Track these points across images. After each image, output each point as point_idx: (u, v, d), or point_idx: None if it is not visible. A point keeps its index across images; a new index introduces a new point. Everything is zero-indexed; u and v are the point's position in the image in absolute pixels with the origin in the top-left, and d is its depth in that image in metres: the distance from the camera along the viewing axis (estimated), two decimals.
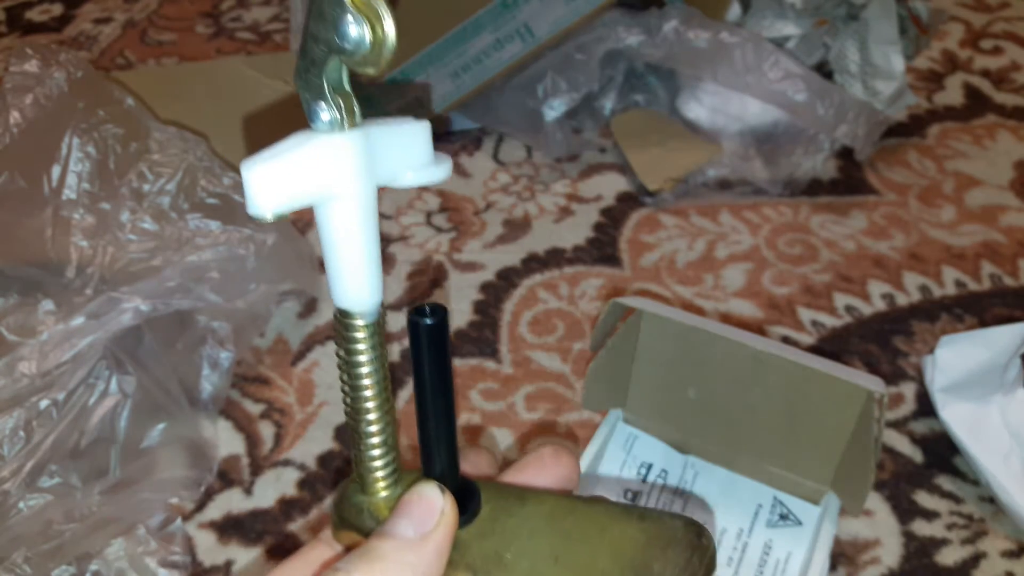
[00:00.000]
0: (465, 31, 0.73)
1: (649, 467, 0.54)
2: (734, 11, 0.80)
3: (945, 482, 0.55)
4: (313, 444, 0.58)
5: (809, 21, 0.78)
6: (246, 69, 0.75)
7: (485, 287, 0.69)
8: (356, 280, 0.24)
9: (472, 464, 0.29)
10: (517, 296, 0.68)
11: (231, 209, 0.59)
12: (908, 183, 0.77)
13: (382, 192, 0.25)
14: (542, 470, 0.29)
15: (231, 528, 0.54)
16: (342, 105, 0.23)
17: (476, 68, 0.75)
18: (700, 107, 0.78)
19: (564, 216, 0.75)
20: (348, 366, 0.25)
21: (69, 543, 0.48)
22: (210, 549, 0.53)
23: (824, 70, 0.79)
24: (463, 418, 0.59)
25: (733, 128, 0.77)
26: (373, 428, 0.26)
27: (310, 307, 0.67)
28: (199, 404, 0.58)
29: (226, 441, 0.58)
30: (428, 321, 0.24)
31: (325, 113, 0.23)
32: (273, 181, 0.22)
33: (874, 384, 0.46)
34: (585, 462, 0.51)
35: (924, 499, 0.54)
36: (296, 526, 0.54)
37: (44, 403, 0.49)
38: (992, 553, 0.51)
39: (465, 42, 0.74)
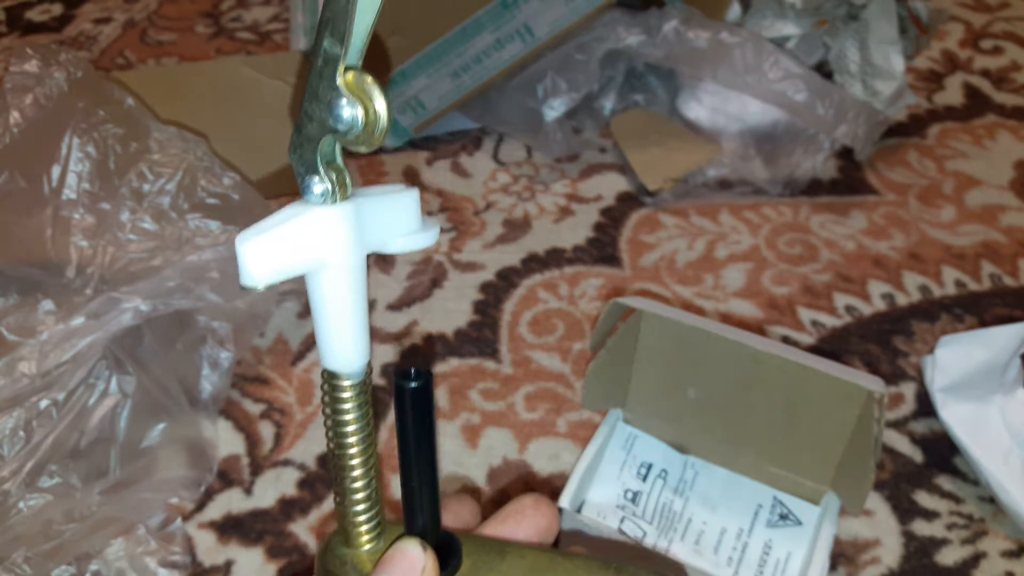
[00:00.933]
0: (465, 31, 0.73)
1: (649, 467, 0.54)
2: (734, 11, 0.80)
3: (945, 482, 0.55)
4: (313, 444, 0.58)
5: (809, 21, 0.78)
6: (246, 69, 0.75)
7: (485, 287, 0.69)
8: (344, 344, 0.25)
9: (454, 514, 0.30)
10: (517, 296, 0.68)
11: (231, 209, 0.59)
12: (908, 183, 0.77)
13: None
14: (522, 521, 0.30)
15: (231, 528, 0.54)
16: (335, 179, 0.23)
17: (476, 68, 0.75)
18: (700, 107, 0.78)
19: (564, 216, 0.75)
20: (335, 424, 0.26)
21: (69, 543, 0.48)
22: (210, 549, 0.53)
23: (824, 70, 0.79)
24: (463, 418, 0.59)
25: (733, 128, 0.77)
26: (358, 484, 0.26)
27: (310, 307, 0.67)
28: (199, 404, 0.58)
29: (226, 441, 0.58)
30: (413, 385, 0.25)
31: (318, 186, 0.23)
32: (267, 253, 0.23)
33: (874, 384, 0.46)
34: (585, 462, 0.51)
35: (924, 499, 0.54)
36: (296, 526, 0.54)
37: (44, 403, 0.49)
38: (992, 553, 0.51)
39: (465, 42, 0.74)
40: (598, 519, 0.51)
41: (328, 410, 0.26)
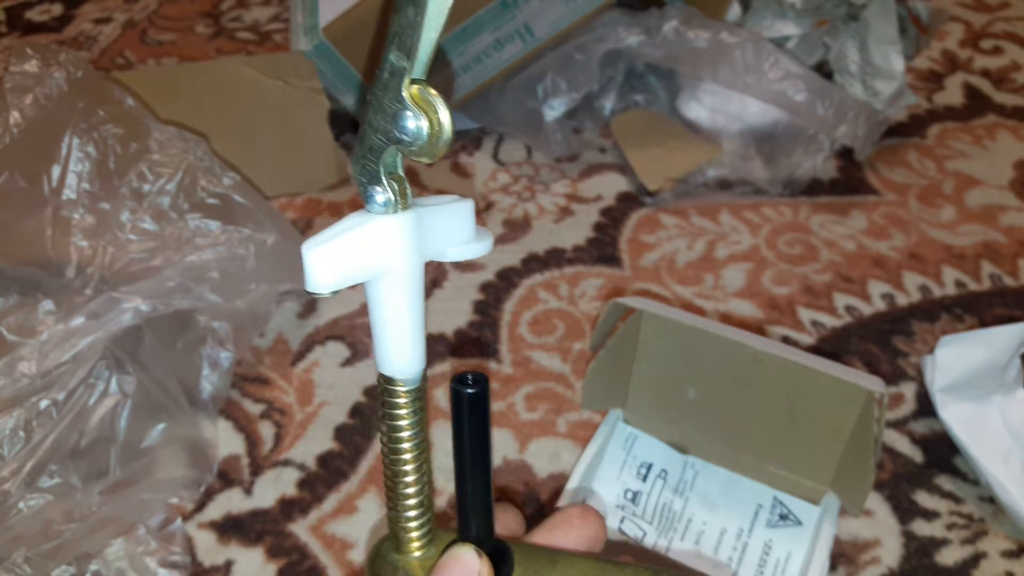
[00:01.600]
0: (465, 31, 0.73)
1: (649, 467, 0.54)
2: (734, 11, 0.80)
3: (945, 482, 0.55)
4: (313, 444, 0.58)
5: (809, 21, 0.78)
6: (246, 69, 0.75)
7: (485, 287, 0.69)
8: (402, 350, 0.26)
9: (500, 523, 0.30)
10: (517, 296, 0.68)
11: (231, 209, 0.59)
12: (908, 183, 0.77)
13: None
14: (570, 530, 0.30)
15: (231, 528, 0.54)
16: (396, 188, 0.24)
17: (476, 68, 0.75)
18: (700, 107, 0.78)
19: (564, 216, 0.75)
20: (389, 429, 0.26)
21: (69, 543, 0.48)
22: (210, 549, 0.53)
23: (824, 70, 0.79)
24: None
25: (733, 128, 0.77)
26: (411, 490, 0.27)
27: (310, 307, 0.67)
28: (199, 404, 0.58)
29: (226, 441, 0.58)
30: (470, 391, 0.25)
31: (380, 196, 0.24)
32: (331, 260, 0.23)
33: (874, 384, 0.46)
34: (585, 462, 0.51)
35: (924, 499, 0.54)
36: (296, 526, 0.54)
37: (44, 403, 0.49)
38: (992, 553, 0.51)
39: (465, 42, 0.74)
40: None
41: (383, 415, 0.26)
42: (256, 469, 0.57)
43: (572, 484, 0.50)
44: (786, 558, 0.50)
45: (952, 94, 0.87)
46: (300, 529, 0.54)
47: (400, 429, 0.26)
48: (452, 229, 0.27)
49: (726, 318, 0.66)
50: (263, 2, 1.05)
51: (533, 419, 0.59)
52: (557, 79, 0.75)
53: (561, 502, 0.49)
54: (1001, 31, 0.96)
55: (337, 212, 0.76)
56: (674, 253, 0.71)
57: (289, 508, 0.55)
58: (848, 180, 0.77)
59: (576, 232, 0.73)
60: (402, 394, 0.26)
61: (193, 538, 0.53)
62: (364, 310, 0.67)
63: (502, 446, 0.57)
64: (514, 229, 0.74)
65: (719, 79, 0.73)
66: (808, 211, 0.74)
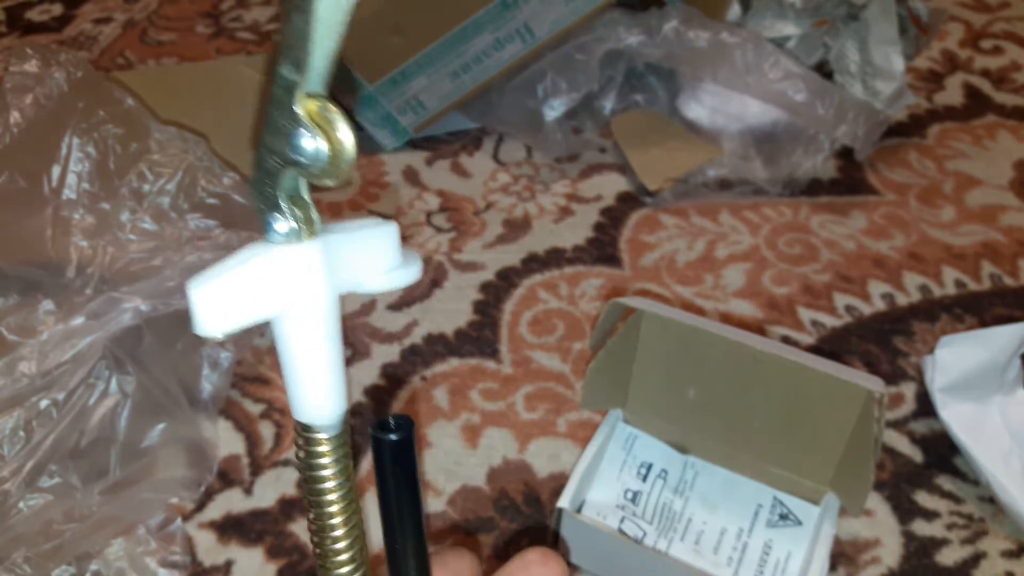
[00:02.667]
0: (465, 31, 0.73)
1: (649, 467, 0.54)
2: (734, 11, 0.80)
3: (945, 482, 0.55)
4: None
5: (809, 21, 0.78)
6: (246, 69, 0.75)
7: (485, 287, 0.69)
8: (318, 393, 0.23)
9: (453, 571, 0.28)
10: (517, 296, 0.68)
11: (231, 209, 0.59)
12: (908, 183, 0.77)
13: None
14: None
15: (231, 528, 0.54)
16: (299, 215, 0.21)
17: (476, 68, 0.75)
18: (700, 107, 0.78)
19: (564, 216, 0.75)
20: (310, 480, 0.24)
21: (69, 543, 0.48)
22: (210, 549, 0.53)
23: (824, 70, 0.79)
24: (463, 418, 0.59)
25: (733, 128, 0.77)
26: (340, 544, 0.24)
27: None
28: (199, 404, 0.58)
29: (226, 441, 0.58)
30: (393, 437, 0.23)
31: (281, 224, 0.21)
32: (223, 299, 0.21)
33: (874, 384, 0.46)
34: (585, 462, 0.51)
35: (924, 499, 0.54)
36: (296, 526, 0.54)
37: (44, 403, 0.49)
38: (992, 553, 0.51)
39: (465, 42, 0.74)
40: (598, 519, 0.51)
41: (304, 465, 0.24)
42: (256, 469, 0.57)
43: (572, 484, 0.50)
44: (786, 558, 0.50)
45: (952, 94, 0.87)
46: (300, 529, 0.54)
47: (323, 480, 0.24)
48: (373, 256, 0.24)
49: (726, 318, 0.66)
50: (263, 2, 1.05)
51: (533, 419, 0.59)
52: (557, 79, 0.75)
53: (561, 502, 0.49)
54: (1001, 31, 0.96)
55: (337, 212, 0.76)
56: (674, 253, 0.71)
57: (289, 508, 0.55)
58: (848, 180, 0.77)
59: (576, 232, 0.73)
60: (322, 442, 0.23)
61: (193, 538, 0.53)
62: (364, 310, 0.67)
63: (502, 446, 0.58)
64: (514, 229, 0.74)
65: (719, 79, 0.73)
66: (808, 211, 0.74)
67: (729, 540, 0.51)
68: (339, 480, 0.24)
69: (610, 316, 0.51)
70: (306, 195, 0.22)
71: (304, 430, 0.24)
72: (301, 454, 0.24)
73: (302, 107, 0.20)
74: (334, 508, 0.24)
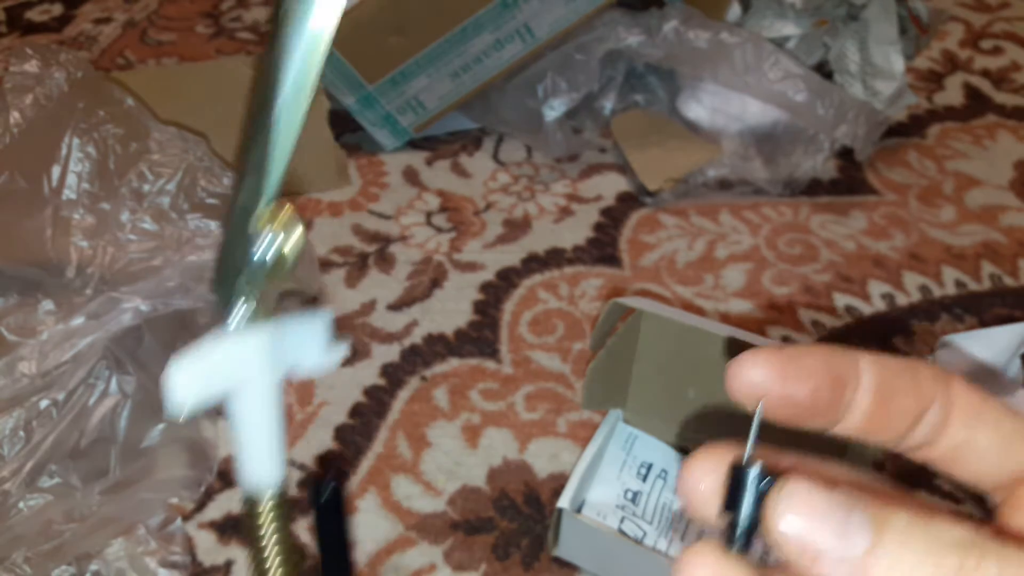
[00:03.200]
0: (465, 31, 0.73)
1: (649, 467, 0.54)
2: (734, 11, 0.80)
3: (945, 482, 0.55)
4: (313, 444, 0.58)
5: (809, 21, 0.78)
6: (246, 69, 0.75)
7: (485, 287, 0.69)
8: (260, 462, 0.27)
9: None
10: (517, 296, 0.68)
11: None
12: (908, 183, 0.77)
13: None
14: None
15: (231, 528, 0.54)
16: (252, 309, 0.26)
17: (476, 68, 0.75)
18: (700, 107, 0.78)
19: (564, 216, 0.75)
20: (254, 542, 0.27)
21: (69, 543, 0.48)
22: (210, 549, 0.53)
23: (824, 70, 0.79)
24: (463, 418, 0.59)
25: (733, 128, 0.77)
26: None
27: (309, 307, 0.67)
28: None
29: (226, 441, 0.58)
30: (322, 500, 0.26)
31: (236, 316, 0.26)
32: (192, 382, 0.25)
33: None
34: (585, 462, 0.51)
35: (924, 499, 0.54)
36: (296, 526, 0.54)
37: (44, 403, 0.49)
38: None
39: (465, 42, 0.74)
40: (598, 519, 0.51)
41: (247, 531, 0.27)
42: None
43: (572, 484, 0.50)
44: None
45: (952, 94, 0.87)
46: (300, 529, 0.54)
47: (261, 539, 0.26)
48: (306, 343, 0.28)
49: (726, 318, 0.66)
50: (263, 2, 1.05)
51: (533, 419, 0.59)
52: (557, 79, 0.75)
53: (561, 502, 0.49)
54: (1001, 31, 0.96)
55: (337, 212, 0.76)
56: (674, 253, 0.71)
57: (289, 508, 0.55)
58: (848, 180, 0.77)
59: (576, 232, 0.73)
60: (262, 506, 0.27)
61: (193, 538, 0.53)
62: (364, 310, 0.67)
63: (502, 446, 0.58)
64: (514, 229, 0.74)
65: (719, 79, 0.73)
66: (808, 211, 0.74)
67: None
68: (275, 540, 0.27)
69: (610, 316, 0.51)
70: (258, 292, 0.26)
71: (247, 496, 0.27)
72: (244, 519, 0.27)
73: (259, 216, 0.24)
74: (278, 571, 0.27)
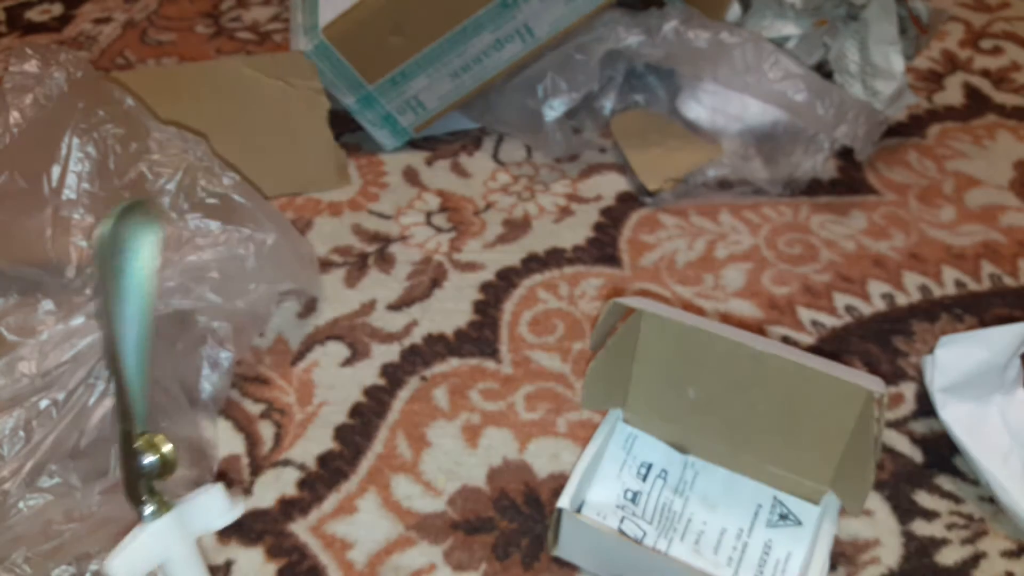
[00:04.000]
0: (465, 31, 0.73)
1: (649, 467, 0.54)
2: (734, 11, 0.80)
3: (945, 482, 0.55)
4: (313, 444, 0.58)
5: (809, 21, 0.78)
6: (246, 69, 0.75)
7: (485, 287, 0.69)
8: None
9: None
10: (517, 296, 0.68)
11: (231, 209, 0.59)
12: (908, 183, 0.77)
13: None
14: None
15: (231, 528, 0.54)
16: (157, 501, 0.37)
17: (476, 68, 0.75)
18: (700, 107, 0.78)
19: (564, 216, 0.75)
20: None
21: (69, 543, 0.48)
22: (210, 549, 0.53)
23: (824, 70, 0.79)
24: (463, 418, 0.59)
25: (733, 128, 0.77)
26: None
27: (310, 307, 0.67)
28: (199, 404, 0.58)
29: (226, 441, 0.58)
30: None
31: (147, 509, 0.37)
32: (129, 565, 0.36)
33: (874, 384, 0.46)
34: (585, 462, 0.51)
35: (924, 499, 0.54)
36: (296, 526, 0.54)
37: (44, 403, 0.49)
38: (992, 553, 0.51)
39: (465, 42, 0.74)
40: (598, 519, 0.51)
41: None
42: (256, 469, 0.57)
43: (572, 484, 0.50)
44: (786, 558, 0.50)
45: (952, 94, 0.87)
46: (300, 529, 0.54)
47: None
48: (210, 508, 0.39)
49: (726, 318, 0.66)
50: (263, 2, 1.05)
51: (533, 419, 0.59)
52: (557, 79, 0.75)
53: (561, 502, 0.49)
54: (1001, 31, 0.96)
55: (337, 212, 0.76)
56: (674, 253, 0.71)
57: (289, 508, 0.55)
58: (848, 180, 0.77)
59: (576, 232, 0.73)
60: None
61: None
62: (364, 310, 0.67)
63: (502, 446, 0.58)
64: (514, 229, 0.74)
65: (719, 79, 0.73)
66: (808, 211, 0.74)
67: (729, 540, 0.51)
68: None
69: (610, 316, 0.51)
70: (155, 488, 0.37)
71: None
72: None
73: (138, 441, 0.36)
74: None
